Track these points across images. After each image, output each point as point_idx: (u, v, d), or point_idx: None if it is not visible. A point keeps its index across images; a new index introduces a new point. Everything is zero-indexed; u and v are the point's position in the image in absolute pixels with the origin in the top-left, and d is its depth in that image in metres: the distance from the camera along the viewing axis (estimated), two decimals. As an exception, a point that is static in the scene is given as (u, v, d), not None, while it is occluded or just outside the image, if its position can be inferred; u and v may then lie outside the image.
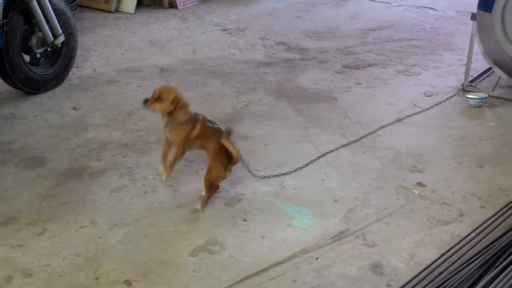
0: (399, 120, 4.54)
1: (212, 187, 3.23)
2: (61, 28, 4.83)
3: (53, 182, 3.53)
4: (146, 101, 3.05)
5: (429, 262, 2.76)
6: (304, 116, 4.59)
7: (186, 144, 3.19)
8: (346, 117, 4.60)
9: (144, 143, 4.04)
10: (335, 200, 3.41)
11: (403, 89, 5.22)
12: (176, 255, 2.88)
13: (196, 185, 3.46)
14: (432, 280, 2.58)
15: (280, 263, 2.83)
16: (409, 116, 4.60)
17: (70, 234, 3.04)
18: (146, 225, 3.12)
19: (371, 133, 4.26)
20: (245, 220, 3.18)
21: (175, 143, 3.19)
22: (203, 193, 3.26)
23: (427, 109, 4.73)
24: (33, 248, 2.92)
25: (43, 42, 4.74)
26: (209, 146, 3.21)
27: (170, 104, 3.04)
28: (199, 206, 3.22)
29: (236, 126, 4.33)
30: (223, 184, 3.40)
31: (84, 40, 6.08)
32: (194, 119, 3.16)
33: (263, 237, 3.03)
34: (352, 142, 4.12)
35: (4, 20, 4.19)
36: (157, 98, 3.03)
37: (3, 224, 3.11)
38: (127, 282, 2.68)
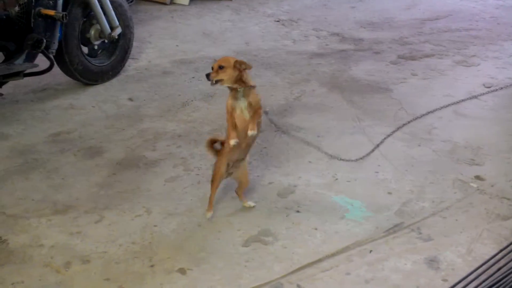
0: (457, 112, 4.43)
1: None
2: (118, 20, 4.91)
3: (110, 171, 3.61)
4: (208, 75, 2.91)
5: (487, 257, 2.68)
6: (357, 108, 4.54)
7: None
8: (401, 109, 4.51)
9: (197, 134, 4.08)
10: (389, 193, 3.35)
11: (461, 81, 5.09)
12: (229, 245, 2.90)
13: (249, 176, 3.46)
14: (491, 276, 2.51)
15: (333, 255, 2.81)
16: (467, 108, 4.48)
17: (126, 222, 3.10)
18: (199, 215, 3.15)
19: (426, 125, 4.17)
20: (297, 211, 3.17)
21: (257, 106, 2.97)
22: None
23: (486, 101, 4.60)
24: (91, 235, 2.99)
25: (101, 34, 4.84)
26: None
27: (233, 69, 2.90)
28: (250, 203, 3.21)
29: (289, 118, 4.33)
30: (277, 176, 3.41)
31: (140, 32, 6.18)
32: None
33: (316, 229, 3.02)
34: (407, 134, 4.04)
35: (64, 13, 4.29)
36: (218, 68, 2.91)
37: (62, 211, 3.20)
38: (181, 271, 2.71)
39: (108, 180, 3.51)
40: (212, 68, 2.91)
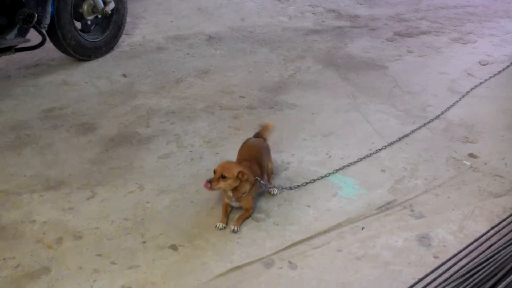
0: (452, 89, 4.41)
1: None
2: (111, -5, 4.86)
3: (102, 148, 3.59)
4: (209, 182, 2.82)
5: (478, 234, 2.69)
6: (353, 85, 4.51)
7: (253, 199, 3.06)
8: (396, 86, 4.49)
9: (191, 111, 4.06)
10: (383, 171, 3.35)
11: (457, 58, 5.06)
12: (221, 222, 2.90)
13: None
14: (482, 253, 2.51)
15: (324, 232, 2.81)
16: (462, 85, 4.46)
17: (119, 198, 3.10)
18: (192, 191, 3.14)
19: (421, 103, 4.15)
20: (290, 188, 3.16)
21: (245, 207, 2.97)
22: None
23: (482, 78, 4.58)
24: (83, 211, 2.99)
25: (94, 9, 4.79)
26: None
27: (235, 180, 2.85)
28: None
29: (284, 95, 4.30)
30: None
31: (134, 8, 6.11)
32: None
33: (308, 206, 3.02)
34: (402, 111, 4.03)
35: (56, -13, 4.24)
36: (220, 176, 2.83)
37: (55, 187, 3.19)
38: (173, 247, 2.71)
39: (101, 157, 3.50)
40: (214, 172, 2.84)
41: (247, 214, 2.93)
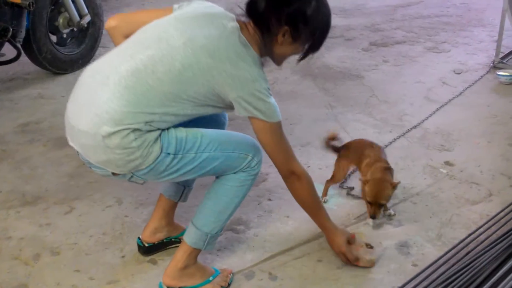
0: (427, 98, 4.46)
1: None
2: (87, 8, 4.84)
3: (80, 162, 3.52)
4: (374, 217, 2.81)
5: (456, 241, 2.71)
6: (330, 95, 4.55)
7: None
8: (373, 95, 4.54)
9: (169, 123, 4.04)
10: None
11: (432, 67, 5.13)
12: (201, 234, 2.89)
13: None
14: (459, 260, 2.54)
15: (305, 242, 2.82)
16: (438, 94, 4.52)
17: (97, 213, 3.07)
18: (172, 204, 3.12)
19: (398, 112, 4.20)
20: (269, 199, 3.17)
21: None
22: None
23: (457, 87, 4.64)
24: (61, 226, 2.95)
25: (70, 22, 4.77)
26: None
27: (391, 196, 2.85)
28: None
29: (262, 105, 4.31)
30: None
31: (110, 20, 6.08)
32: None
33: (287, 217, 3.02)
34: (379, 121, 4.07)
35: (31, 1, 4.20)
36: (378, 205, 2.81)
37: (32, 203, 3.15)
38: (153, 261, 2.70)
39: (78, 171, 3.47)
40: (370, 203, 2.85)
41: None
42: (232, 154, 2.30)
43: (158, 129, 2.14)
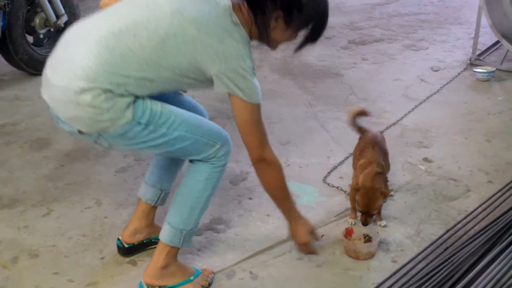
0: (406, 95, 4.50)
1: None
2: (64, 8, 4.80)
3: (58, 163, 3.53)
4: (366, 224, 2.72)
5: (435, 237, 2.74)
6: (309, 94, 4.56)
7: None
8: (352, 93, 4.56)
9: (148, 123, 4.02)
10: (341, 177, 3.38)
11: (410, 64, 5.17)
12: (181, 234, 2.87)
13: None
14: (438, 256, 2.56)
15: (285, 241, 2.82)
16: (416, 91, 4.56)
17: (76, 214, 3.04)
18: (151, 204, 3.11)
19: (377, 109, 4.22)
20: (250, 198, 3.17)
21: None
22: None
23: (434, 84, 4.69)
24: (39, 229, 2.92)
25: (46, 22, 4.72)
26: None
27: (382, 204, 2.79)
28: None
29: (241, 104, 4.31)
30: (228, 164, 3.40)
31: (88, 20, 6.03)
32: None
33: (268, 215, 3.02)
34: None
35: (6, 1, 4.16)
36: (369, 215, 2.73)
37: (9, 205, 3.12)
38: (133, 262, 2.68)
39: (57, 172, 3.44)
40: (362, 213, 2.74)
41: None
42: (201, 138, 2.28)
43: (132, 95, 2.11)
